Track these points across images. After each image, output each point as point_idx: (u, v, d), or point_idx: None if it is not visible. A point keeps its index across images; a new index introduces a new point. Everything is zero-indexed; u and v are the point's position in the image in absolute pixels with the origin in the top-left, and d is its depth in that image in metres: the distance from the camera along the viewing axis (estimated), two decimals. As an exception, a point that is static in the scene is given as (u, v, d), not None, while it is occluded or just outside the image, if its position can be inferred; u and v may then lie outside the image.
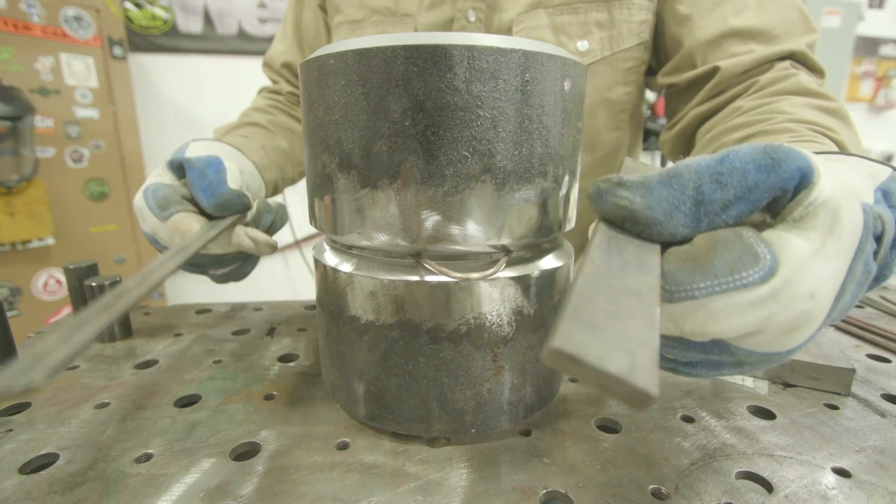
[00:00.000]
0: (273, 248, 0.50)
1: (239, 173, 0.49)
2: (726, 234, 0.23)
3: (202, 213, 0.46)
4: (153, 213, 0.44)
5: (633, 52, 0.62)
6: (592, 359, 0.15)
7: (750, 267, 0.21)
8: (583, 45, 0.61)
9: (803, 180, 0.23)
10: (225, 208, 0.45)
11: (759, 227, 0.24)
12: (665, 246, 0.24)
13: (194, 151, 0.50)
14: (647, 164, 0.39)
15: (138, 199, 0.46)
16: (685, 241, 0.24)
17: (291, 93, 0.78)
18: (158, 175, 0.48)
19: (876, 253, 0.25)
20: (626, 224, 0.24)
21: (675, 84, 0.60)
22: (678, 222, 0.23)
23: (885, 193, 0.27)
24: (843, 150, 0.40)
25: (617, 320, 0.17)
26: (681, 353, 0.25)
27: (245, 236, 0.47)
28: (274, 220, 0.52)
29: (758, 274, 0.21)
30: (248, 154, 0.58)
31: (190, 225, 0.43)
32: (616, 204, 0.24)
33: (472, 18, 0.61)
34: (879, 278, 0.27)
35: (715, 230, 0.24)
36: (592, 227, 0.25)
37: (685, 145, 0.61)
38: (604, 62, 0.62)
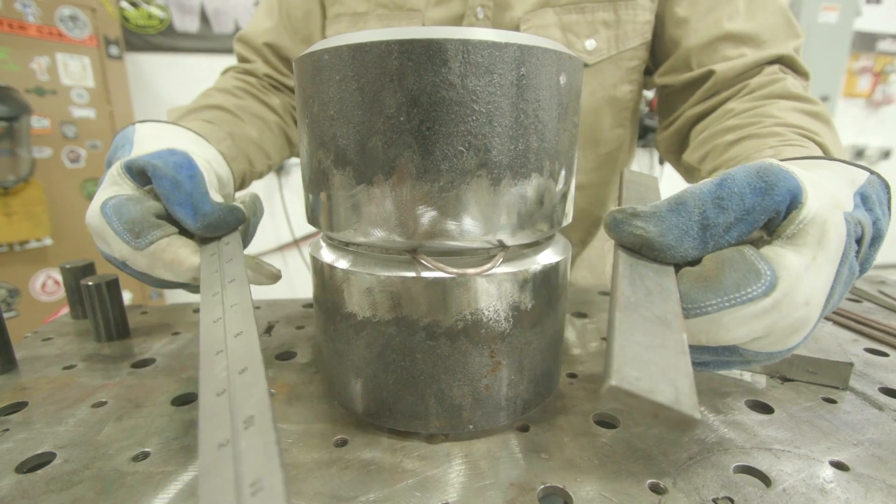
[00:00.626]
0: (277, 278, 0.43)
1: (214, 174, 0.42)
2: (731, 254, 0.26)
3: (183, 229, 0.38)
4: (123, 241, 0.36)
5: (638, 51, 0.63)
6: (645, 392, 0.18)
7: (753, 283, 0.24)
8: (591, 43, 0.61)
9: (794, 201, 0.26)
10: (216, 229, 0.37)
11: (757, 243, 0.27)
12: (677, 266, 0.27)
13: (146, 143, 0.41)
14: (645, 173, 0.40)
15: (95, 218, 0.37)
16: (695, 261, 0.27)
17: (268, 76, 0.69)
18: (115, 183, 0.38)
19: (857, 253, 0.28)
20: (643, 250, 0.27)
21: (671, 85, 0.62)
22: (688, 246, 0.26)
23: (863, 198, 0.29)
24: (825, 151, 0.43)
25: (655, 351, 0.20)
26: (696, 356, 0.28)
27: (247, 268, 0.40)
28: (258, 217, 0.45)
29: (760, 289, 0.24)
30: (214, 143, 0.50)
31: (176, 253, 0.36)
32: (633, 233, 0.27)
33: (481, 16, 0.61)
34: (861, 271, 0.30)
35: (720, 250, 0.26)
36: (611, 247, 0.28)
37: (679, 144, 0.63)
38: (610, 61, 0.63)
